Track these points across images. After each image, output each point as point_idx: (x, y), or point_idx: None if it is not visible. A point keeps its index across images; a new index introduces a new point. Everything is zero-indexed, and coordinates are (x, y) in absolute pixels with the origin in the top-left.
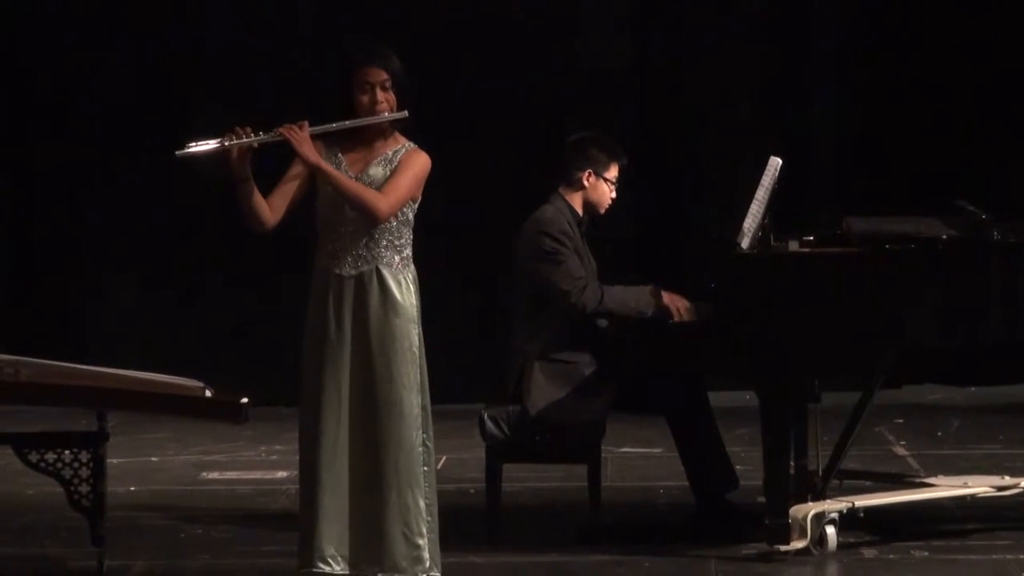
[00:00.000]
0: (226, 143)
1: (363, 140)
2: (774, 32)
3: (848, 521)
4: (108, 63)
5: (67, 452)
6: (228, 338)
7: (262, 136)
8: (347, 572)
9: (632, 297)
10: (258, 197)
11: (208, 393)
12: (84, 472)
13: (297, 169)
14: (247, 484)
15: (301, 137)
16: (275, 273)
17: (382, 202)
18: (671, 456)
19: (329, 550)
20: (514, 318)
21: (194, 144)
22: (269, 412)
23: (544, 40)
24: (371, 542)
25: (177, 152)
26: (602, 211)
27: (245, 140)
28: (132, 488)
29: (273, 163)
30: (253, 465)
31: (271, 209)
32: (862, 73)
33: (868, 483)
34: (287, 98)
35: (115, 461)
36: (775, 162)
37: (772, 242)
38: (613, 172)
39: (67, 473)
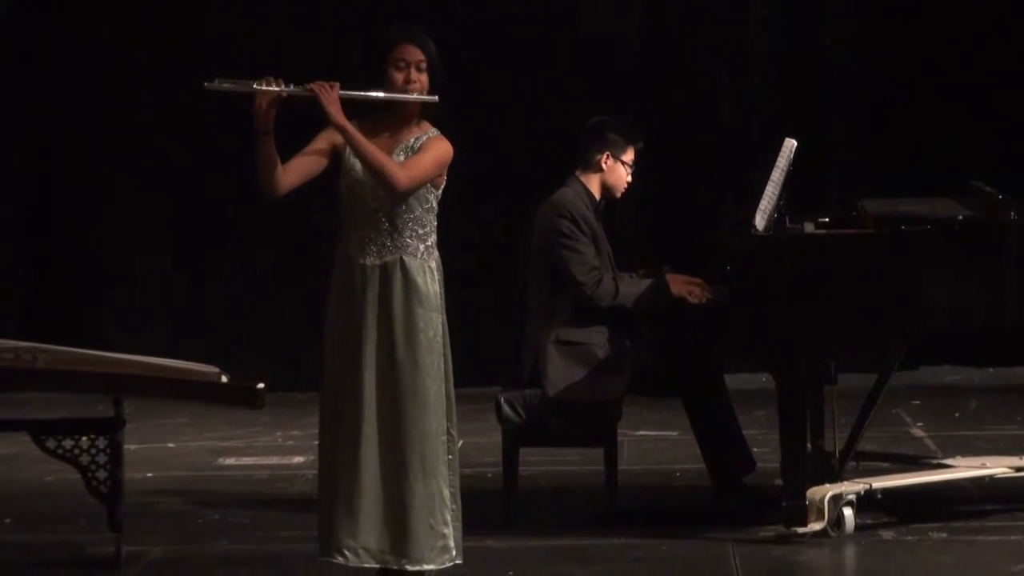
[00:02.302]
0: (255, 85)
1: (390, 126)
2: (787, 12)
3: (865, 503)
4: (122, 50)
5: (84, 438)
6: (244, 323)
7: (292, 88)
8: (368, 563)
9: (645, 291)
10: (275, 156)
11: (224, 379)
12: (101, 458)
13: (322, 144)
14: (264, 469)
15: (331, 96)
16: (292, 258)
17: (402, 174)
18: (687, 439)
19: (348, 541)
20: (529, 301)
21: (223, 80)
22: (286, 397)
23: (554, 25)
24: (397, 533)
25: (206, 83)
26: (618, 194)
27: (275, 88)
28: (149, 474)
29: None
30: (270, 450)
31: (286, 173)
32: (877, 53)
33: (885, 465)
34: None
35: (132, 447)
36: (790, 144)
37: (788, 224)
38: (630, 155)
39: (84, 459)
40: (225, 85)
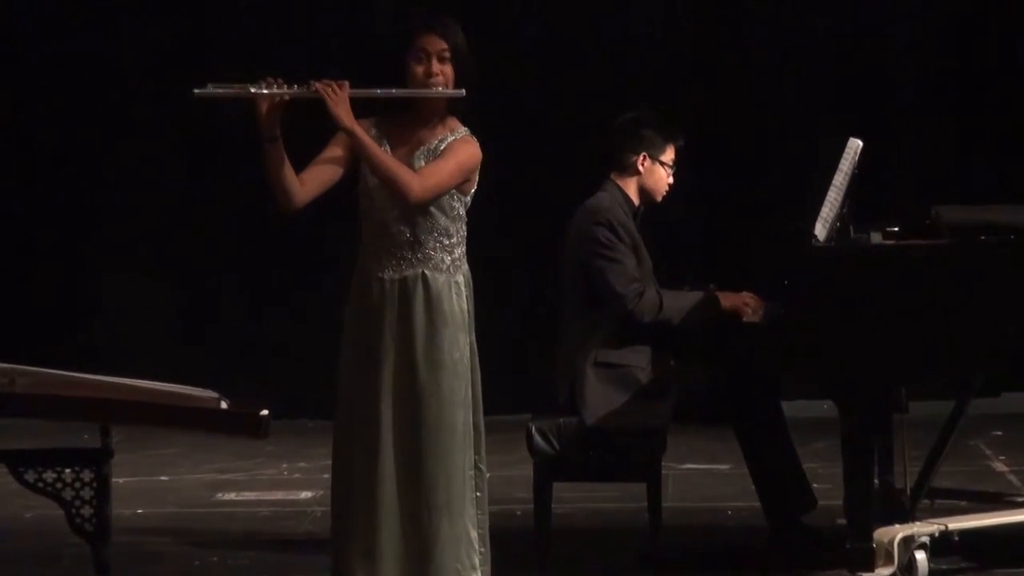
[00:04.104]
0: (253, 89)
1: (414, 126)
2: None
3: (940, 546)
4: (116, 52)
5: (68, 471)
6: (247, 345)
7: (295, 89)
8: None
9: (693, 305)
10: (287, 165)
11: (224, 405)
12: (87, 493)
13: (337, 151)
14: (268, 506)
15: (339, 97)
16: (300, 274)
17: (416, 182)
18: (740, 473)
19: None
20: (564, 318)
21: (216, 85)
22: (292, 426)
23: (593, 10)
24: None
25: (196, 90)
26: (659, 198)
27: (275, 91)
28: (140, 510)
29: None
30: (274, 484)
31: (301, 184)
32: (949, 45)
33: (963, 503)
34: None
35: (121, 480)
36: (855, 144)
37: (852, 233)
38: (669, 154)
39: (68, 494)
40: (218, 91)
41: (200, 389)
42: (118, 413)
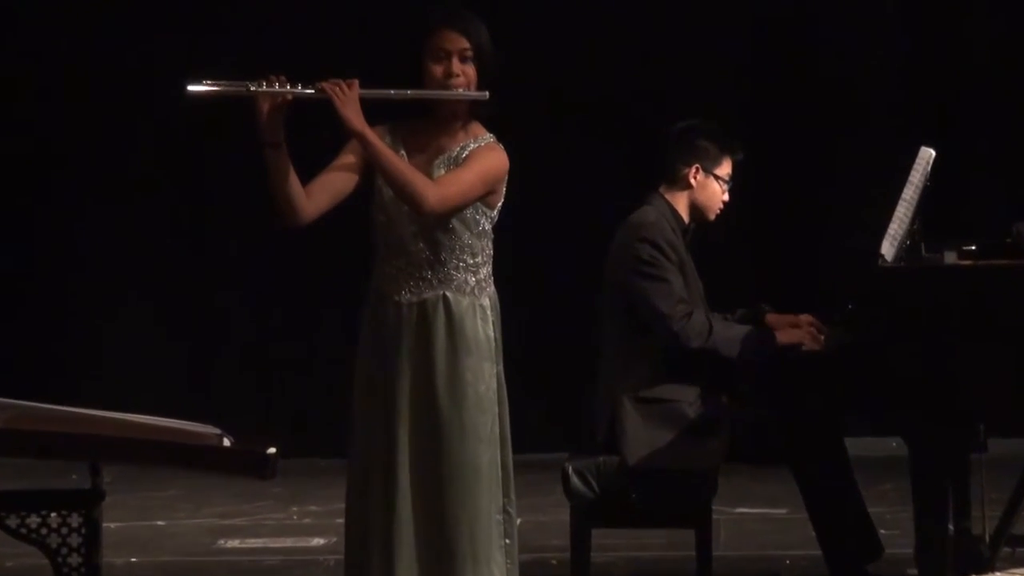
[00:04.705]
0: (252, 87)
1: (433, 132)
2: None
3: None
4: (109, 82)
5: (54, 515)
6: (252, 377)
7: (299, 89)
8: None
9: (745, 336)
10: (291, 174)
11: (227, 442)
12: (74, 540)
13: (349, 159)
14: (275, 554)
15: (347, 97)
16: (311, 300)
17: (432, 191)
18: (799, 518)
19: None
20: (604, 347)
21: (211, 82)
22: (301, 465)
23: (644, 8)
24: None
25: (189, 87)
26: (711, 216)
27: (277, 89)
28: (133, 559)
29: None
30: (282, 530)
31: (308, 196)
32: None
33: None
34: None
35: (113, 526)
36: (927, 153)
37: (923, 252)
38: (725, 168)
39: (54, 541)
40: (214, 88)
41: (200, 425)
42: (110, 451)
